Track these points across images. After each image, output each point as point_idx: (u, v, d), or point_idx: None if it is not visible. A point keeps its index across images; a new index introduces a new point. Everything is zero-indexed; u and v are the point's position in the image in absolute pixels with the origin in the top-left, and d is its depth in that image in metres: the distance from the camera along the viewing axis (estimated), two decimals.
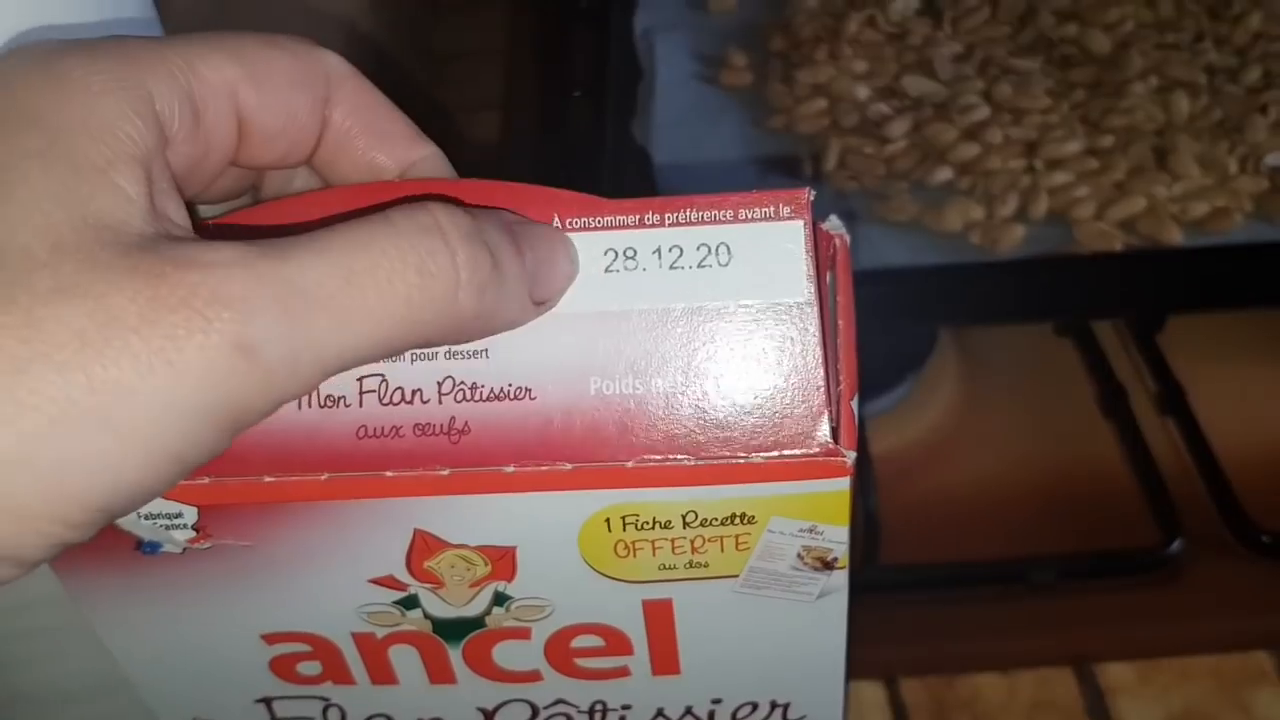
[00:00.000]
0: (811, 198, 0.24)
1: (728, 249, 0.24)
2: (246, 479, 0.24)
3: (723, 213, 0.24)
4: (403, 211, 0.21)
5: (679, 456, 0.24)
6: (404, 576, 0.26)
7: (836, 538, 0.25)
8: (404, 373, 0.24)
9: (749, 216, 0.24)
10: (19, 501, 0.19)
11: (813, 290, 0.24)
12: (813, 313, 0.24)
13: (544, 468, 0.24)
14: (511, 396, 0.24)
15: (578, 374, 0.24)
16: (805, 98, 0.64)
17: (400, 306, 0.21)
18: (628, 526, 0.25)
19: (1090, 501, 0.54)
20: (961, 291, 0.55)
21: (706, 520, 0.25)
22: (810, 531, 0.25)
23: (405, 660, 0.29)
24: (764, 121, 0.65)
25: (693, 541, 0.26)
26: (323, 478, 0.24)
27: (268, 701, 0.31)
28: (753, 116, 0.65)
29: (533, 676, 0.29)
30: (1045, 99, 0.62)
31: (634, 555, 0.26)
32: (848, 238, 0.26)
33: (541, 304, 0.24)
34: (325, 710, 0.31)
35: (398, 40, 0.77)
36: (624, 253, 0.25)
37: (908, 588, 0.52)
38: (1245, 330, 0.60)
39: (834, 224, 0.26)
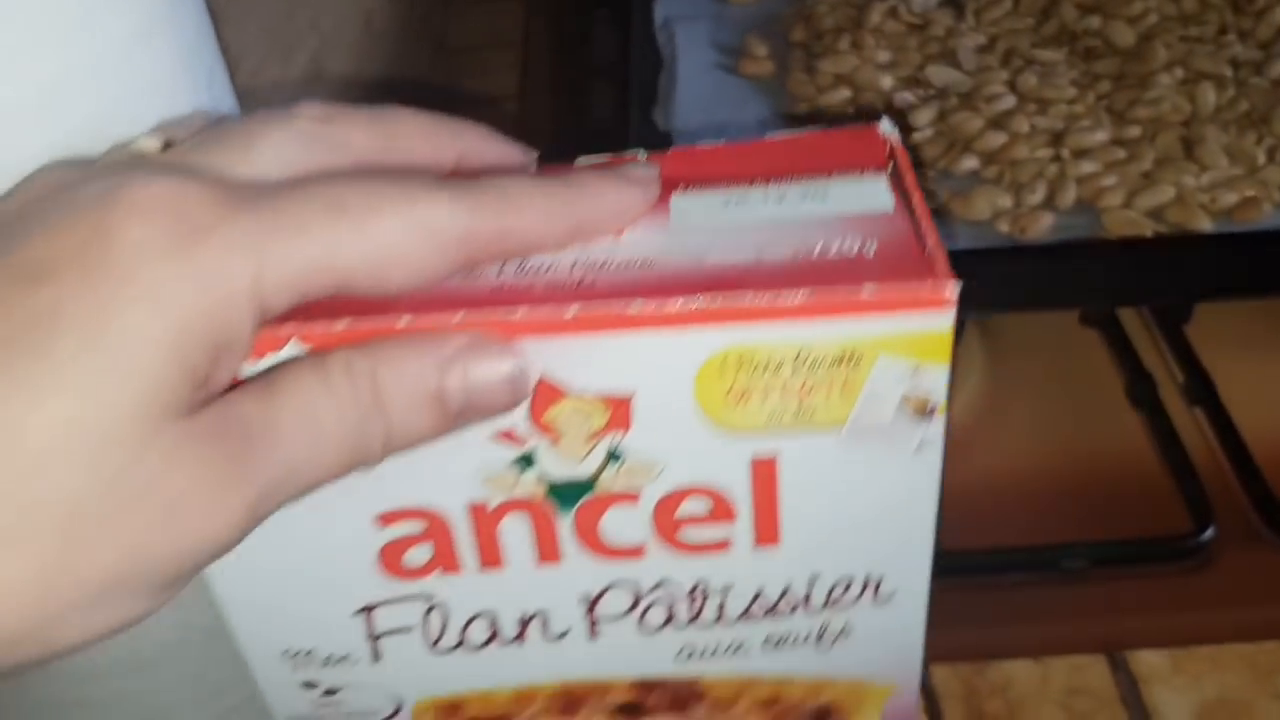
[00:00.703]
0: (895, 137, 0.29)
1: (824, 193, 0.28)
2: (385, 319, 0.25)
3: (821, 166, 0.29)
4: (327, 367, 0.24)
5: (794, 291, 0.26)
6: (525, 429, 0.28)
7: (937, 380, 0.27)
8: (540, 261, 0.27)
9: (840, 174, 0.29)
10: None
11: (900, 205, 0.28)
12: (904, 211, 0.28)
13: (665, 303, 0.26)
14: (636, 267, 0.27)
15: (696, 251, 0.27)
16: (828, 87, 0.64)
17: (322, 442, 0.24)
18: (741, 369, 0.27)
19: (1121, 490, 0.54)
20: (990, 276, 0.54)
21: (816, 361, 0.27)
22: (913, 373, 0.27)
23: (515, 536, 0.30)
24: (787, 110, 0.64)
25: (801, 386, 0.27)
26: (457, 317, 0.25)
27: (368, 611, 0.31)
28: (775, 106, 0.65)
29: (637, 552, 0.30)
30: (1070, 89, 0.62)
31: (745, 402, 0.28)
32: (898, 135, 0.30)
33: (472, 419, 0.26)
34: (427, 614, 0.31)
35: (412, 32, 0.77)
36: (735, 199, 0.29)
37: (939, 574, 0.51)
38: (1271, 322, 0.60)
39: (886, 127, 0.30)
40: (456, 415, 0.25)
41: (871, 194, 0.28)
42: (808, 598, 0.32)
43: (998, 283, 0.55)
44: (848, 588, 0.32)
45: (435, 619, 0.31)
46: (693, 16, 0.71)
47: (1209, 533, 0.51)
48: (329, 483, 0.25)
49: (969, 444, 0.56)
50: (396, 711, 0.33)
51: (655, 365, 0.27)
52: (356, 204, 0.24)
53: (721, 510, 0.30)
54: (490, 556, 0.30)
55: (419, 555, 0.30)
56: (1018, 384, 0.58)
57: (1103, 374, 0.59)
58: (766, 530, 0.30)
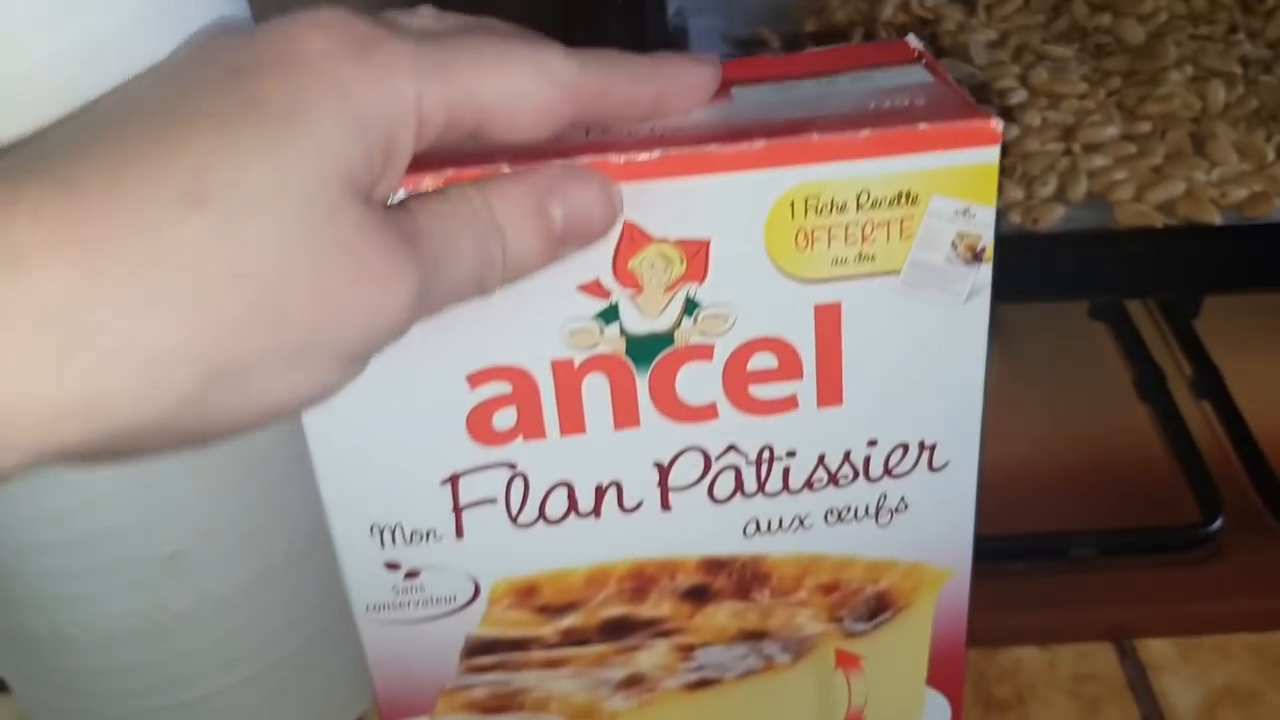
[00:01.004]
0: (922, 47, 0.33)
1: (870, 77, 0.31)
2: (486, 168, 0.28)
3: (862, 63, 0.32)
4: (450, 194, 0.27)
5: (857, 130, 0.29)
6: (609, 280, 0.30)
7: (985, 220, 0.30)
8: (623, 131, 0.29)
9: (882, 66, 0.32)
10: None
11: (942, 78, 0.31)
12: (948, 81, 0.31)
13: (741, 145, 0.29)
14: (710, 126, 0.29)
15: (764, 110, 0.30)
16: None
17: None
18: (809, 210, 0.30)
19: (1129, 480, 0.54)
20: (1001, 265, 0.55)
21: (877, 200, 0.30)
22: (964, 214, 0.30)
23: (596, 397, 0.32)
24: None
25: (863, 228, 0.30)
26: (549, 163, 0.28)
27: (454, 481, 0.33)
28: None
29: (709, 413, 0.33)
30: (1082, 85, 0.62)
31: (812, 246, 0.30)
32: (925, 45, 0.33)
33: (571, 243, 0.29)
34: (509, 484, 0.33)
35: None
36: (789, 86, 0.31)
37: None
38: (1278, 316, 0.60)
39: (914, 40, 0.33)
40: (561, 237, 0.28)
41: (912, 74, 0.31)
42: (867, 463, 0.34)
43: (1010, 271, 0.56)
44: (904, 453, 0.34)
45: (517, 489, 0.33)
46: (705, 8, 0.71)
47: (1217, 523, 0.52)
48: (459, 301, 0.27)
49: None
50: (474, 597, 0.35)
51: (731, 207, 0.29)
52: (493, 52, 0.27)
53: (789, 364, 0.32)
54: (572, 421, 0.32)
55: (505, 419, 0.32)
56: (1028, 376, 0.59)
57: (1112, 367, 0.59)
58: (829, 388, 0.33)
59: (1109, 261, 0.53)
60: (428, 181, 0.27)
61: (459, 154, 0.28)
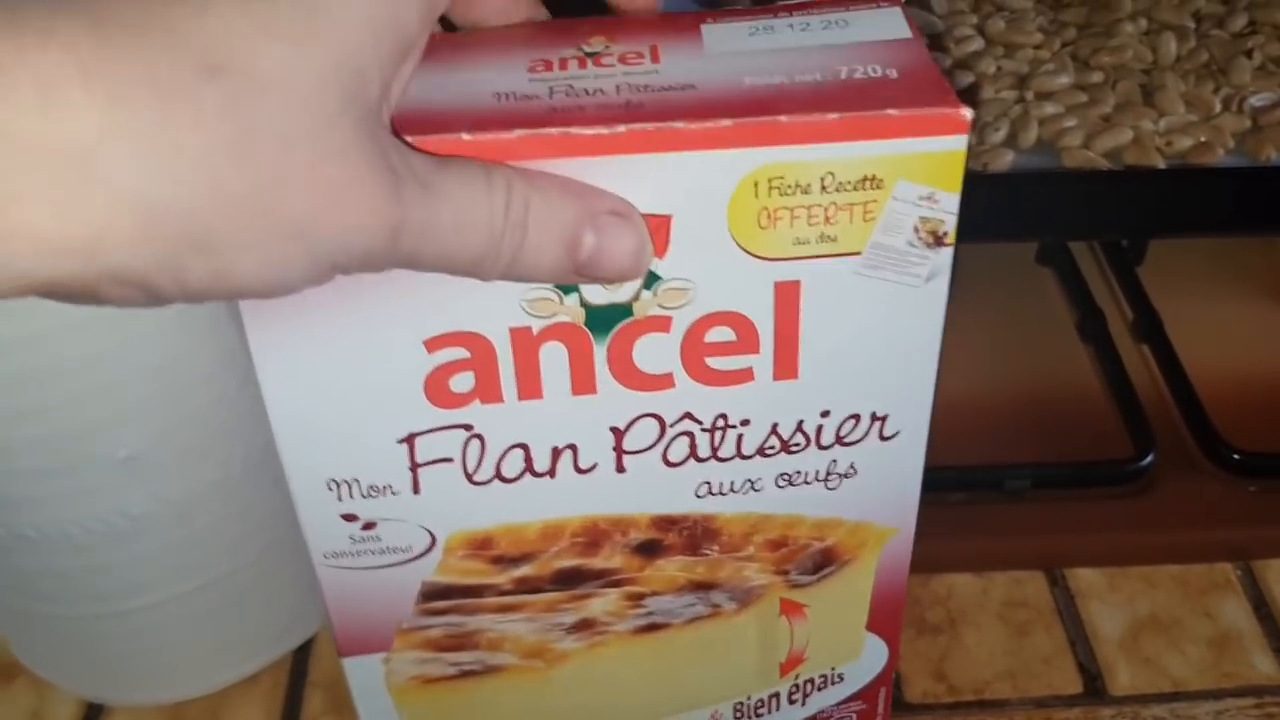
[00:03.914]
0: None
1: (845, 21, 0.31)
2: (445, 137, 0.27)
3: (836, 7, 0.31)
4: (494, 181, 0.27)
5: (825, 113, 0.28)
6: None
7: (949, 207, 0.30)
8: (588, 83, 0.29)
9: (857, 6, 0.31)
10: None
11: (916, 33, 0.30)
12: (920, 39, 0.30)
13: (708, 124, 0.28)
14: (678, 89, 0.29)
15: (733, 75, 0.29)
16: None
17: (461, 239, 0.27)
18: (772, 191, 0.29)
19: (1067, 417, 0.56)
20: None
21: (842, 184, 0.29)
22: (928, 200, 0.30)
23: (553, 365, 0.32)
24: None
25: (826, 209, 0.30)
26: (515, 134, 0.27)
27: (410, 441, 0.33)
28: None
29: (665, 382, 0.33)
30: (1037, 35, 0.63)
31: (774, 226, 0.30)
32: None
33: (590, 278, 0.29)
34: (466, 445, 0.33)
35: None
36: (763, 27, 0.31)
37: None
38: (1219, 266, 0.62)
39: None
40: (578, 267, 0.28)
41: (889, 22, 0.31)
42: (819, 432, 0.34)
43: (960, 212, 0.57)
44: (855, 423, 0.34)
45: (474, 449, 0.33)
46: None
47: (1149, 459, 0.53)
48: (450, 271, 0.27)
49: None
50: (430, 547, 0.35)
51: (695, 184, 0.29)
52: None
53: (746, 339, 0.32)
54: (529, 387, 0.32)
55: (462, 383, 0.32)
56: (974, 316, 0.60)
57: (1055, 310, 0.60)
58: (785, 363, 0.32)
59: (1054, 202, 0.55)
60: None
61: (421, 118, 0.28)
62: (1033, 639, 0.50)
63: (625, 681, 0.39)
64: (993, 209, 0.56)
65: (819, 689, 0.41)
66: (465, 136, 0.27)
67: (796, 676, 0.41)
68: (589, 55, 0.30)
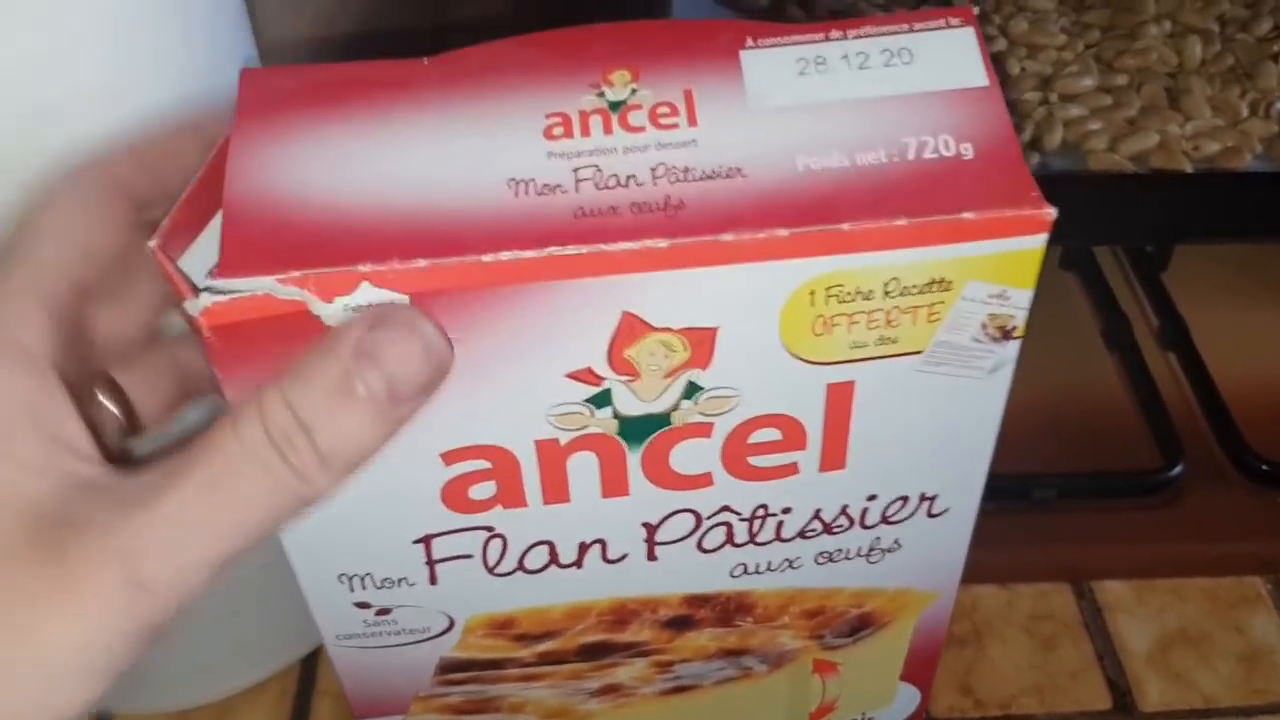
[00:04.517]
0: (976, 11, 0.27)
1: (909, 52, 0.26)
2: (465, 260, 0.24)
3: (899, 25, 0.27)
4: (241, 424, 0.24)
5: (894, 218, 0.25)
6: (602, 369, 0.27)
7: (1021, 303, 0.27)
8: (617, 162, 0.25)
9: (923, 28, 0.27)
10: None
11: (993, 78, 0.26)
12: (998, 94, 0.26)
13: (761, 235, 0.24)
14: (723, 176, 0.25)
15: (784, 154, 0.25)
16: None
17: (261, 508, 0.24)
18: (830, 299, 0.26)
19: (1093, 426, 0.55)
20: None
21: (907, 288, 0.26)
22: (999, 297, 0.26)
23: (582, 471, 0.29)
24: None
25: (889, 313, 0.26)
26: (543, 253, 0.24)
27: (427, 541, 0.30)
28: None
29: (704, 481, 0.30)
30: (1061, 36, 0.62)
31: (830, 332, 0.27)
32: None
33: (405, 401, 0.25)
34: (486, 543, 0.30)
35: (400, 11, 0.76)
36: (814, 60, 0.26)
37: None
38: (1244, 271, 0.61)
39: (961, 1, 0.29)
40: (388, 402, 0.24)
41: (961, 52, 0.26)
42: (864, 514, 0.32)
43: None
44: (903, 504, 0.32)
45: (495, 547, 0.30)
46: None
47: (1177, 469, 0.52)
48: (277, 525, 0.25)
49: None
50: (449, 628, 0.33)
51: (744, 297, 0.26)
52: None
53: (792, 438, 0.29)
54: (555, 493, 0.29)
55: (483, 491, 0.29)
56: None
57: (1080, 316, 0.59)
58: (834, 456, 0.30)
59: (1079, 205, 0.54)
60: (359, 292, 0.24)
61: (429, 228, 0.24)
62: (1059, 653, 0.49)
63: None
64: None
65: None
66: (486, 259, 0.24)
67: None
68: (613, 106, 0.26)
